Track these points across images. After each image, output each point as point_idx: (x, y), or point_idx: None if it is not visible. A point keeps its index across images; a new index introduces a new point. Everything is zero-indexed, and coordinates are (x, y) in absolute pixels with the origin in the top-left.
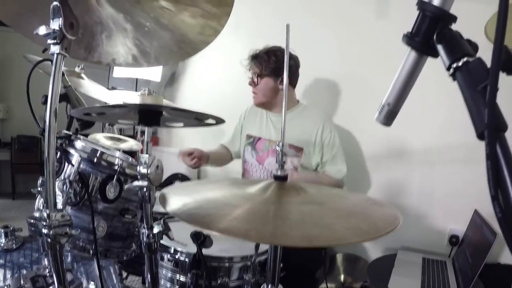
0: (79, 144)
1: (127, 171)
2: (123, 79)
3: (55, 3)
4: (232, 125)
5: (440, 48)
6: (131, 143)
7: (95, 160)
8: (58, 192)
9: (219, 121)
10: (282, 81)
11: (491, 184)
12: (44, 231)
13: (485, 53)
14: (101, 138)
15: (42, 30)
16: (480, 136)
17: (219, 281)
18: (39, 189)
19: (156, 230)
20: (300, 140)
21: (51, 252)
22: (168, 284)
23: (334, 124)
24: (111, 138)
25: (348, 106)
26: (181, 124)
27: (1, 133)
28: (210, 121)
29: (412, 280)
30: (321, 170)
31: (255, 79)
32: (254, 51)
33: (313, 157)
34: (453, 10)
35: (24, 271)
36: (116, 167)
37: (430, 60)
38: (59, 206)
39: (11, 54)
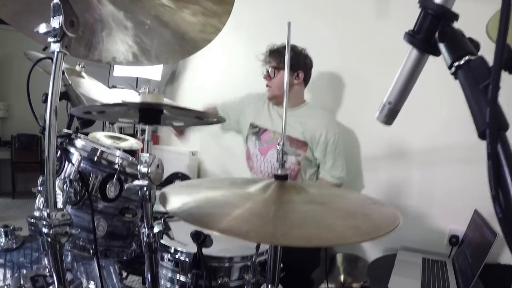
0: (79, 143)
1: (128, 170)
2: (123, 78)
3: (55, 1)
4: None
5: (442, 46)
6: (131, 142)
7: (95, 159)
8: (58, 191)
9: (220, 119)
10: (297, 76)
11: (492, 184)
12: (44, 230)
13: (486, 52)
14: (101, 137)
15: (42, 28)
16: (482, 136)
17: (219, 281)
18: (39, 188)
19: (156, 229)
20: (305, 136)
21: (51, 251)
22: (168, 284)
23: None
24: (111, 137)
25: (349, 105)
26: (182, 123)
27: (1, 131)
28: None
29: (412, 280)
30: (323, 176)
31: (272, 72)
32: (272, 46)
33: (316, 153)
34: (454, 9)
35: (24, 271)
36: (116, 166)
37: (431, 59)
38: (59, 205)
39: (11, 52)
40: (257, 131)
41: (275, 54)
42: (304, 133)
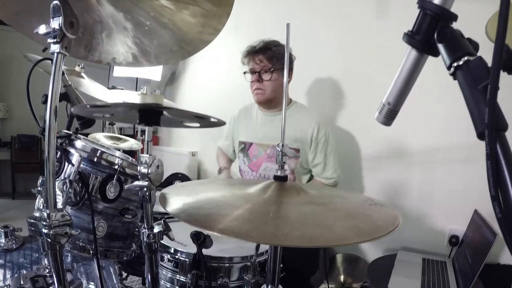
0: (79, 143)
1: (127, 170)
2: (123, 78)
3: (55, 2)
4: None
5: (440, 47)
6: (131, 143)
7: (95, 159)
8: (58, 191)
9: (220, 122)
10: (289, 76)
11: (491, 184)
12: (44, 231)
13: (486, 52)
14: (101, 138)
15: (42, 29)
16: (480, 136)
17: (219, 282)
18: (39, 188)
19: (156, 230)
20: (296, 140)
21: (51, 252)
22: (168, 285)
23: (334, 124)
24: (111, 138)
25: (349, 105)
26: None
27: (1, 132)
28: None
29: (412, 280)
30: (315, 177)
31: (267, 75)
32: (262, 43)
33: (309, 155)
34: (453, 9)
35: (24, 271)
36: (116, 167)
37: (430, 59)
38: (59, 206)
39: (11, 53)
40: (243, 147)
41: (267, 54)
42: (293, 137)
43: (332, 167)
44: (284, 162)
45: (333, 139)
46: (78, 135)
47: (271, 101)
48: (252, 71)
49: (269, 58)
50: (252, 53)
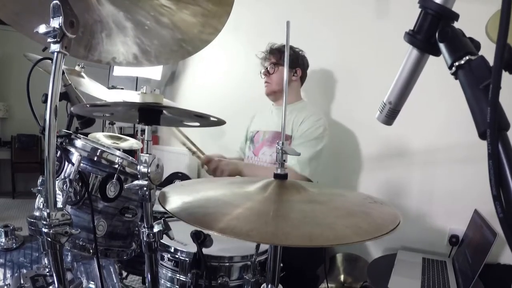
0: (79, 143)
1: (127, 170)
2: (123, 78)
3: (55, 1)
4: (232, 125)
5: (442, 46)
6: (131, 142)
7: (95, 159)
8: (58, 191)
9: (220, 121)
10: (295, 73)
11: (492, 183)
12: (44, 230)
13: (487, 52)
14: (101, 137)
15: (42, 29)
16: (482, 135)
17: (219, 281)
18: (39, 188)
19: (156, 229)
20: (291, 129)
21: (51, 251)
22: (168, 284)
23: (334, 124)
24: (111, 137)
25: (348, 105)
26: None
27: (1, 132)
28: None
29: (412, 280)
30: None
31: (272, 68)
32: (273, 44)
33: None
34: (454, 9)
35: (24, 271)
36: (116, 166)
37: (431, 59)
38: (59, 205)
39: (11, 52)
40: (252, 135)
41: (275, 52)
42: (299, 130)
43: (307, 156)
44: (284, 160)
45: (323, 140)
46: (78, 134)
47: (277, 93)
48: (265, 66)
49: (277, 55)
50: (268, 50)
